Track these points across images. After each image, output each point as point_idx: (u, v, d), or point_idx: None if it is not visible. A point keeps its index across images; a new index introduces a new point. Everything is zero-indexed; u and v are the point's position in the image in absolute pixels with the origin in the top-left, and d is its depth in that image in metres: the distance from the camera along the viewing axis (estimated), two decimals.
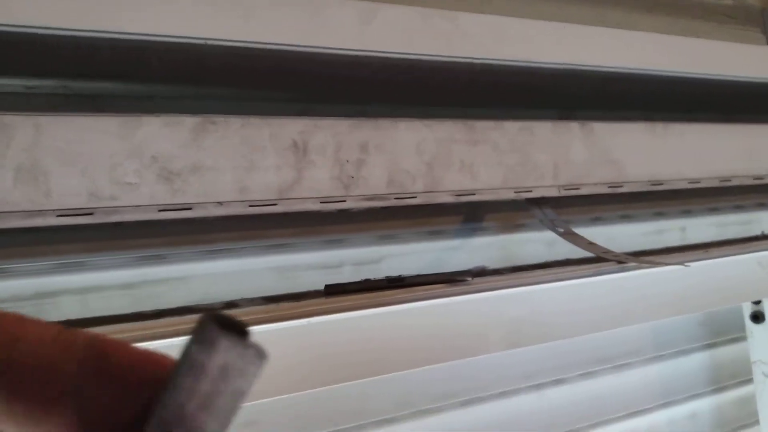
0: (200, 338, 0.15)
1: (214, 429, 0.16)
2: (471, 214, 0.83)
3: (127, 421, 0.17)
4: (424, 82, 0.62)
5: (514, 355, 0.87)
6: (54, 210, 0.45)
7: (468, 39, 0.57)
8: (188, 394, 0.15)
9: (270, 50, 0.52)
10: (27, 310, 0.60)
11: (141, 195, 0.48)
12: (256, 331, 0.52)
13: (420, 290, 0.56)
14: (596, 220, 0.93)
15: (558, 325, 0.67)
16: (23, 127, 0.45)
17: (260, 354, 0.16)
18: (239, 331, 0.16)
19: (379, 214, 0.77)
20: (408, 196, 0.59)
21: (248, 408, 0.62)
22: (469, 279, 0.56)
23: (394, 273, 0.76)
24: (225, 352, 0.16)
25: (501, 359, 0.86)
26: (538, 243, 0.88)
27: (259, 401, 0.69)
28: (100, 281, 0.63)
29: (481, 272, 0.67)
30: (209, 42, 0.48)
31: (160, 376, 0.17)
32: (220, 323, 0.16)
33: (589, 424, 0.93)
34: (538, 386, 0.90)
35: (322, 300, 0.56)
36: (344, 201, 0.56)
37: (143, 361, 0.17)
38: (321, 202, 0.55)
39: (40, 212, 0.44)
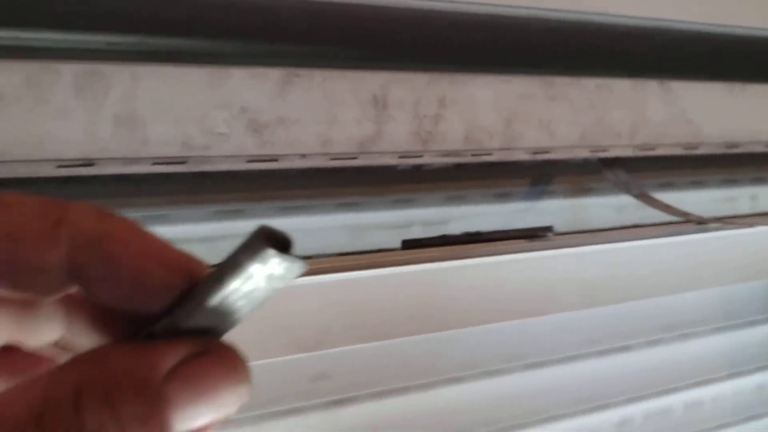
0: (251, 249, 0.16)
1: (243, 312, 0.18)
2: (539, 177, 0.81)
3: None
4: (501, 38, 0.60)
5: (578, 320, 0.86)
6: (150, 158, 0.45)
7: None
8: (233, 292, 0.17)
9: (356, 5, 0.51)
10: None
11: (231, 145, 0.48)
12: (333, 279, 0.52)
13: (499, 244, 0.55)
14: (665, 186, 0.90)
15: (635, 286, 0.66)
16: (120, 76, 0.45)
17: (302, 266, 0.18)
18: (285, 243, 0.17)
19: (448, 175, 0.76)
20: (484, 152, 0.58)
21: (319, 360, 0.63)
22: (551, 234, 0.55)
23: None
24: (273, 265, 0.17)
25: (565, 323, 0.85)
26: (607, 208, 0.86)
27: (330, 352, 0.70)
28: (182, 234, 0.64)
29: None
30: None
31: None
32: (269, 237, 0.17)
33: (653, 392, 0.91)
34: (602, 352, 0.88)
35: (400, 252, 0.56)
36: (421, 156, 0.55)
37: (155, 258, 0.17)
38: (399, 157, 0.54)
39: (137, 160, 0.45)
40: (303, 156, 0.51)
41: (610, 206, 0.86)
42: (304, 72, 0.51)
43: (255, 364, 0.54)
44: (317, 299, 0.51)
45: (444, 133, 0.57)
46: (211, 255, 0.65)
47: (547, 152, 0.61)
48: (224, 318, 0.18)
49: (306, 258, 0.67)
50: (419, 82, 0.56)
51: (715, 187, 0.94)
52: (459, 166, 0.71)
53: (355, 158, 0.52)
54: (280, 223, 0.69)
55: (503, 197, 0.80)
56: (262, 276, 0.17)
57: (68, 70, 0.44)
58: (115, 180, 0.58)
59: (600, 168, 0.75)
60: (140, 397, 0.15)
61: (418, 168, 0.64)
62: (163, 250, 0.18)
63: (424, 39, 0.59)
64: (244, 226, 0.67)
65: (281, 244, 0.17)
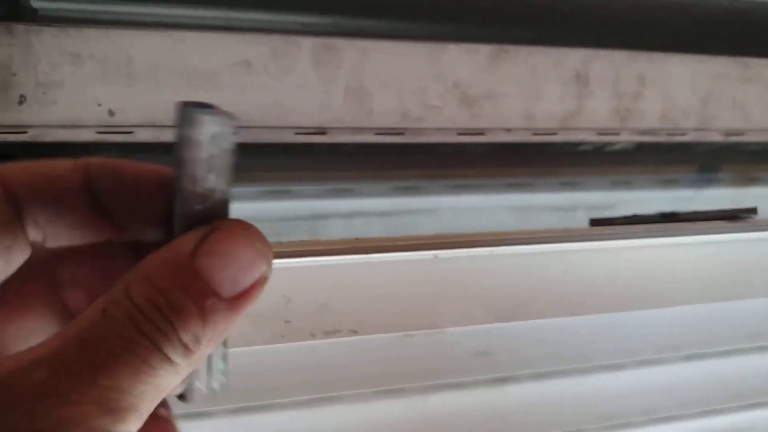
0: (186, 121, 0.19)
1: (221, 186, 0.21)
2: (706, 164, 0.78)
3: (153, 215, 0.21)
4: (697, 19, 0.58)
5: (739, 313, 0.81)
6: (373, 128, 0.47)
7: None
8: (196, 165, 0.19)
9: None
10: (303, 228, 0.65)
11: (444, 118, 0.49)
12: (518, 251, 0.52)
13: (698, 225, 0.53)
14: None
15: None
16: (350, 49, 0.47)
17: (233, 116, 0.20)
18: (210, 107, 0.19)
19: (614, 159, 0.75)
20: (679, 132, 0.56)
21: (482, 338, 0.63)
22: (755, 216, 0.53)
23: None
24: (209, 124, 0.19)
25: (726, 316, 0.81)
26: None
27: (492, 326, 0.71)
28: (363, 207, 0.67)
29: None
30: None
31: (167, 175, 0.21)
32: (193, 105, 0.19)
33: None
34: (763, 348, 0.83)
35: (589, 229, 0.56)
36: (618, 134, 0.55)
37: (149, 170, 0.21)
38: (598, 134, 0.54)
39: (363, 129, 0.47)
40: (508, 130, 0.51)
41: None
42: (511, 48, 0.52)
43: (434, 336, 0.54)
44: (520, 271, 0.51)
45: (642, 111, 0.55)
46: (390, 229, 0.66)
47: (741, 134, 0.58)
48: (210, 198, 0.20)
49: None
50: (619, 59, 0.55)
51: None
52: (626, 151, 0.69)
53: (555, 134, 0.52)
54: (451, 201, 0.70)
55: (668, 183, 0.77)
56: (207, 138, 0.19)
57: (307, 43, 0.46)
58: (303, 153, 0.61)
59: None
60: (176, 276, 0.18)
61: (600, 148, 0.63)
62: (149, 165, 0.21)
63: (624, 18, 0.58)
64: (419, 203, 0.69)
65: (205, 108, 0.19)
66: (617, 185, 0.74)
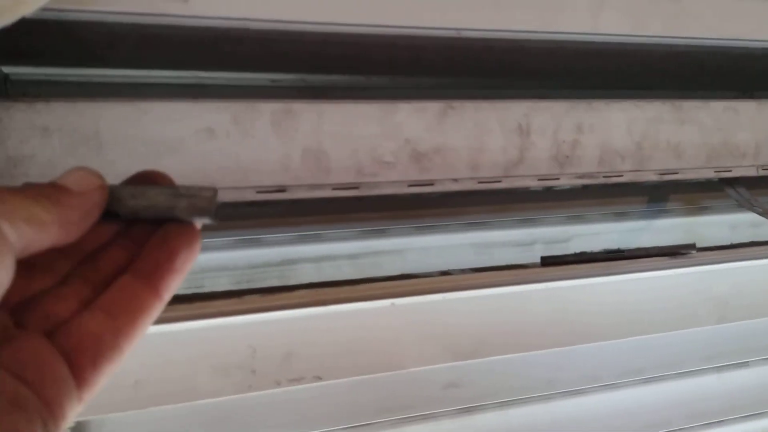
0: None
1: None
2: (655, 195, 0.81)
3: None
4: (634, 64, 0.62)
5: (693, 336, 0.84)
6: (331, 184, 0.49)
7: (693, 19, 0.56)
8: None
9: (501, 39, 0.54)
10: (274, 274, 0.67)
11: (396, 172, 0.51)
12: (471, 296, 0.54)
13: (642, 262, 0.56)
14: None
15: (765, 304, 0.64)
16: (307, 113, 0.49)
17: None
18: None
19: (569, 195, 0.77)
20: (615, 174, 0.59)
21: (452, 370, 0.65)
22: (694, 252, 0.55)
23: None
24: None
25: (681, 340, 0.84)
26: (722, 226, 0.84)
27: (463, 363, 0.72)
28: (331, 251, 0.68)
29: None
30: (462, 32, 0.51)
31: None
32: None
33: None
34: (719, 368, 0.86)
35: (541, 269, 0.58)
36: (558, 179, 0.57)
37: None
38: (538, 180, 0.56)
39: (320, 186, 0.49)
40: (455, 180, 0.53)
41: (726, 224, 0.85)
42: (457, 104, 0.54)
43: (402, 372, 0.56)
44: (475, 312, 0.53)
45: (580, 156, 0.58)
46: (359, 271, 0.68)
47: (674, 173, 0.61)
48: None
49: (445, 274, 0.69)
50: (559, 109, 0.57)
51: None
52: (575, 188, 0.72)
53: (499, 181, 0.54)
54: (417, 241, 0.72)
55: (621, 216, 0.80)
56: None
57: (267, 108, 0.48)
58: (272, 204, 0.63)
59: (720, 186, 0.74)
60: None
61: (547, 189, 0.66)
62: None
63: (563, 68, 0.61)
64: (386, 244, 0.71)
65: None
66: (571, 219, 0.77)
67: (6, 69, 0.52)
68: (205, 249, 0.63)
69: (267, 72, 0.62)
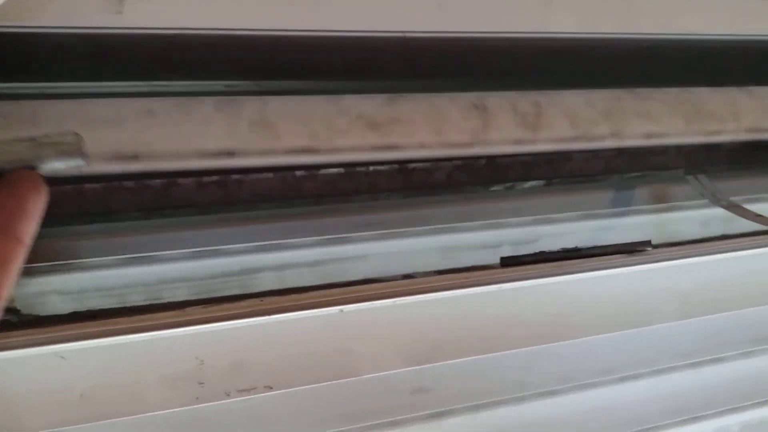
0: None
1: None
2: (622, 192, 0.80)
3: None
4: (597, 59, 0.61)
5: (668, 333, 0.82)
6: (284, 148, 0.47)
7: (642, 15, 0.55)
8: None
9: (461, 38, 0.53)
10: (234, 284, 0.66)
11: (353, 138, 0.50)
12: (425, 299, 0.53)
13: (598, 260, 0.54)
14: (751, 200, 0.86)
15: (730, 297, 0.63)
16: (252, 102, 0.48)
17: None
18: None
19: (535, 195, 0.76)
20: (596, 138, 0.58)
21: (420, 375, 0.63)
22: (650, 249, 0.54)
23: None
24: None
25: (655, 337, 0.82)
26: (693, 222, 0.83)
27: (431, 366, 0.71)
28: (293, 259, 0.67)
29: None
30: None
31: None
32: None
33: (749, 404, 0.86)
34: (695, 364, 0.84)
35: (499, 270, 0.56)
36: (534, 143, 0.55)
37: None
38: (514, 143, 0.54)
39: (272, 151, 0.47)
40: (422, 145, 0.52)
41: (696, 220, 0.83)
42: (405, 95, 0.53)
43: (366, 377, 0.55)
44: (429, 316, 0.52)
45: (550, 122, 0.56)
46: (322, 277, 0.66)
47: (660, 136, 0.59)
48: None
49: (408, 277, 0.68)
50: (511, 96, 0.56)
51: None
52: (547, 186, 0.70)
53: (471, 146, 0.53)
54: (381, 246, 0.71)
55: (588, 216, 0.79)
56: None
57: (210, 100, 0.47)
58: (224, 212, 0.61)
59: (685, 178, 0.73)
60: None
61: (509, 189, 0.64)
62: None
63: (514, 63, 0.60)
64: (350, 250, 0.70)
65: None
66: (538, 221, 0.76)
67: None
68: (162, 260, 0.62)
69: (221, 79, 0.61)
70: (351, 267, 0.69)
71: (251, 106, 0.49)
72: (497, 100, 0.55)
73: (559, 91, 0.60)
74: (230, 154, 0.47)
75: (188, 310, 0.44)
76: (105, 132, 0.45)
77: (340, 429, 0.66)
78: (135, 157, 0.45)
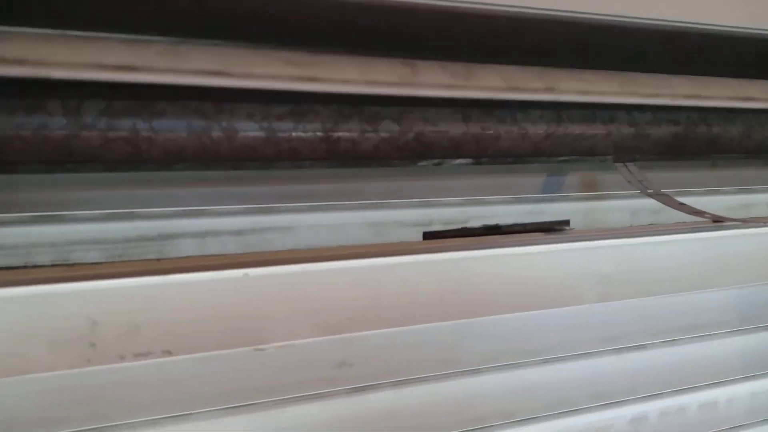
0: None
1: None
2: (554, 180, 0.80)
3: None
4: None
5: (594, 318, 0.83)
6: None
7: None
8: None
9: None
10: (151, 249, 0.63)
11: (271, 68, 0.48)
12: (338, 267, 0.51)
13: (518, 237, 0.54)
14: (681, 193, 0.88)
15: (651, 282, 0.63)
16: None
17: None
18: None
19: (467, 174, 0.75)
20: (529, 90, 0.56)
21: (343, 348, 0.62)
22: (568, 228, 0.54)
23: None
24: None
25: (581, 321, 0.83)
26: (623, 211, 0.84)
27: (353, 339, 0.69)
28: (215, 226, 0.65)
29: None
30: None
31: None
32: None
33: (668, 391, 0.87)
34: (619, 350, 0.85)
35: (420, 242, 0.55)
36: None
37: None
38: (445, 87, 0.53)
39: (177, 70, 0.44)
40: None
41: (627, 209, 0.84)
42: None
43: (282, 344, 0.52)
44: (343, 285, 0.50)
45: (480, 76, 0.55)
46: (245, 247, 0.64)
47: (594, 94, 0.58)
48: None
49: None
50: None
51: (733, 193, 0.92)
52: (477, 166, 0.69)
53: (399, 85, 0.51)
54: (309, 218, 0.69)
55: (519, 200, 0.78)
56: None
57: None
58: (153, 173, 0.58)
59: (615, 167, 0.73)
60: None
61: (438, 165, 0.63)
62: None
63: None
64: (276, 220, 0.67)
65: None
66: (470, 202, 0.75)
67: None
68: (73, 220, 0.59)
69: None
70: (275, 238, 0.67)
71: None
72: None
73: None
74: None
75: (79, 266, 0.41)
76: None
77: (262, 400, 0.65)
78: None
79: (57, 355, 0.43)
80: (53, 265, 0.44)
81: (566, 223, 0.54)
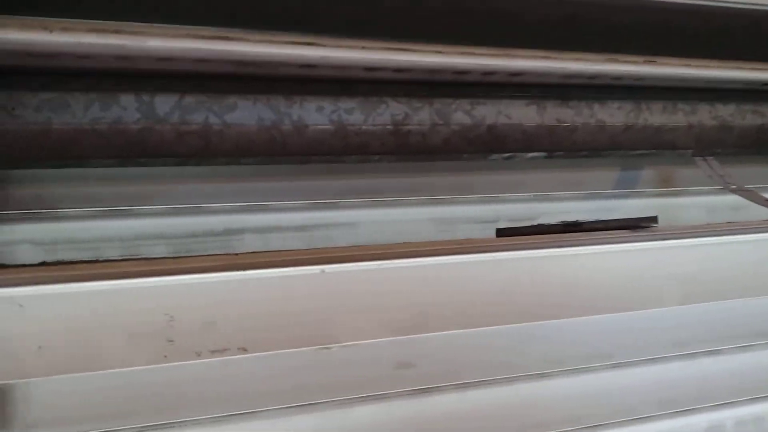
0: None
1: None
2: (628, 174, 0.77)
3: None
4: None
5: (665, 320, 0.79)
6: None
7: None
8: None
9: None
10: (216, 245, 0.62)
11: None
12: (413, 264, 0.49)
13: (599, 235, 0.51)
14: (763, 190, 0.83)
15: (735, 283, 0.60)
16: None
17: None
18: None
19: (536, 168, 0.73)
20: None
21: (404, 349, 0.60)
22: (655, 225, 0.51)
23: None
24: None
25: (652, 323, 0.79)
26: (699, 208, 0.80)
27: (416, 342, 0.67)
28: (279, 222, 0.64)
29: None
30: None
31: None
32: None
33: (745, 399, 0.83)
34: (692, 355, 0.81)
35: (494, 240, 0.53)
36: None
37: None
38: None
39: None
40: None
41: (703, 206, 0.80)
42: None
43: (347, 344, 0.51)
44: (416, 283, 0.48)
45: None
46: (308, 243, 0.63)
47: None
48: None
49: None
50: None
51: None
52: (546, 160, 0.67)
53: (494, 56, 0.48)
54: (372, 214, 0.68)
55: (591, 196, 0.75)
56: None
57: None
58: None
59: (693, 160, 0.69)
60: None
61: (509, 159, 0.61)
62: None
63: None
64: (338, 216, 0.66)
65: None
66: (539, 198, 0.73)
67: None
68: (141, 215, 0.59)
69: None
70: (338, 234, 0.66)
71: None
72: None
73: None
74: None
75: (158, 260, 0.41)
76: None
77: (322, 400, 0.64)
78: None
79: (135, 351, 0.42)
80: (131, 259, 0.44)
81: (654, 219, 0.51)
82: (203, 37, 0.40)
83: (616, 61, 0.50)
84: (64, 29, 0.38)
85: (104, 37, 0.39)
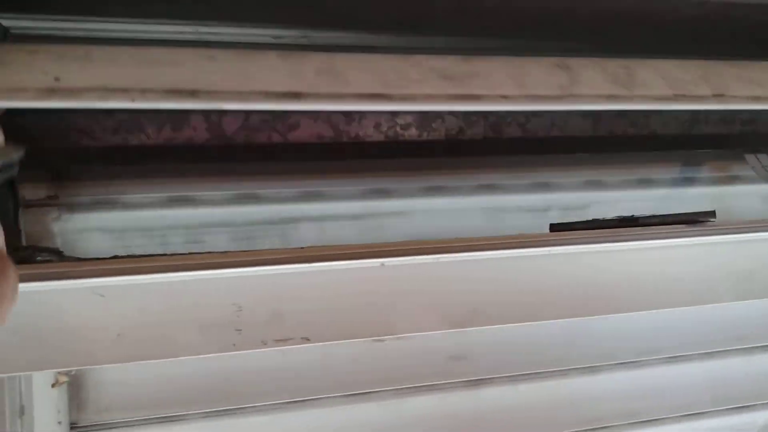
0: None
1: None
2: (686, 164, 0.75)
3: None
4: None
5: (721, 315, 0.79)
6: (352, 94, 0.45)
7: None
8: None
9: None
10: (274, 233, 0.65)
11: (428, 86, 0.47)
12: (469, 259, 0.50)
13: (655, 230, 0.51)
14: None
15: None
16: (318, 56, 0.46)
17: None
18: None
19: (587, 157, 0.73)
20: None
21: (457, 341, 0.62)
22: (713, 220, 0.50)
23: None
24: None
25: (707, 318, 0.78)
26: (753, 197, 0.78)
27: (469, 335, 0.69)
28: (334, 211, 0.66)
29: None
30: None
31: None
32: None
33: None
34: (750, 350, 0.80)
35: (548, 234, 0.54)
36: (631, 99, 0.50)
37: None
38: (606, 99, 0.50)
39: (340, 95, 0.45)
40: (504, 97, 0.48)
41: (757, 195, 0.79)
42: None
43: (404, 342, 0.53)
44: (472, 277, 0.50)
45: (643, 81, 0.52)
46: (363, 232, 0.65)
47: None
48: None
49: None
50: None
51: None
52: (599, 149, 0.66)
53: (559, 99, 0.49)
54: (424, 203, 0.69)
55: (644, 183, 0.75)
56: None
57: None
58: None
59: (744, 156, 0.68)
60: None
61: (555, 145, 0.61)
62: None
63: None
64: (392, 205, 0.68)
65: None
66: (591, 185, 0.72)
67: (6, 22, 0.51)
68: (204, 203, 0.61)
69: (269, 28, 0.59)
70: (392, 223, 0.67)
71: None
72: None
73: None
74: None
75: (227, 253, 0.43)
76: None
77: (378, 390, 0.66)
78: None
79: (205, 340, 0.45)
80: (200, 253, 0.46)
81: (711, 214, 0.50)
82: (275, 96, 0.42)
83: (684, 97, 0.50)
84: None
85: (183, 101, 0.41)
